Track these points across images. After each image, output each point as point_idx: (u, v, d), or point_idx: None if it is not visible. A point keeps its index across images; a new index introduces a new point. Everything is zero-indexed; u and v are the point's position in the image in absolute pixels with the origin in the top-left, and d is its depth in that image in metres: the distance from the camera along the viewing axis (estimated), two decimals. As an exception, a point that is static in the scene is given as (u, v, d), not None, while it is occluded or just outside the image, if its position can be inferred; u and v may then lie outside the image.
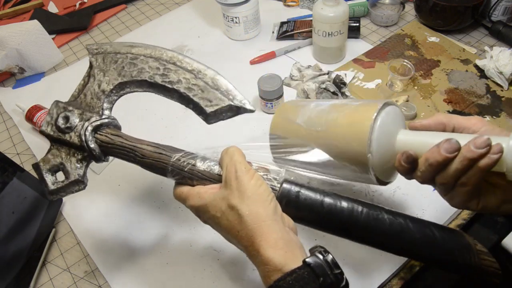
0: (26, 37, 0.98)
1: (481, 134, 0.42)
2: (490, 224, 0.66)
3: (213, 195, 0.46)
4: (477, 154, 0.40)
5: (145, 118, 0.86)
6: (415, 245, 0.47)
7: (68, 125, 0.52)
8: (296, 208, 0.48)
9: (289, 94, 0.85)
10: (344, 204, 0.47)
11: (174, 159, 0.49)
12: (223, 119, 0.51)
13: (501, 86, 0.82)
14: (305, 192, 0.48)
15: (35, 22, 1.00)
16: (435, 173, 0.44)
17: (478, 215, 0.66)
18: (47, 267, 0.68)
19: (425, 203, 0.66)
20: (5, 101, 0.97)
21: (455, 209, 0.65)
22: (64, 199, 0.74)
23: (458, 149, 0.41)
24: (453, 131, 0.47)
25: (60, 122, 0.52)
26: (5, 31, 0.97)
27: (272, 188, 0.48)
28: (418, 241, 0.47)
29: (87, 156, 0.52)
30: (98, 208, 0.73)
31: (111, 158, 0.71)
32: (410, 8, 1.04)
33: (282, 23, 1.02)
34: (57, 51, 1.05)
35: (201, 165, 0.49)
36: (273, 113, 0.83)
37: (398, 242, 0.47)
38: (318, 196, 0.48)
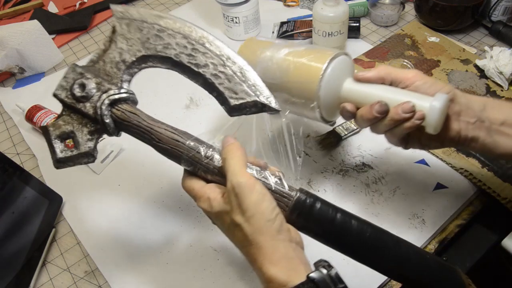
0: (26, 37, 0.98)
1: (415, 87, 0.51)
2: (490, 224, 0.66)
3: (219, 206, 0.44)
4: (402, 117, 0.49)
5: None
6: (412, 275, 0.47)
7: (84, 94, 0.48)
8: (307, 220, 0.46)
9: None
10: (354, 223, 0.47)
11: (192, 149, 0.47)
12: (246, 114, 0.49)
13: (501, 86, 0.82)
14: (319, 206, 0.46)
15: (35, 22, 1.00)
16: (368, 125, 0.53)
17: (478, 215, 0.66)
18: (47, 267, 0.68)
19: (425, 203, 0.66)
20: (5, 101, 0.97)
21: (455, 209, 0.65)
22: (64, 199, 0.74)
23: (387, 111, 0.50)
24: (391, 84, 0.54)
25: (76, 89, 0.49)
26: (5, 31, 0.97)
27: (284, 196, 0.46)
28: (417, 273, 0.47)
29: (100, 129, 0.49)
30: (98, 208, 0.73)
31: (110, 158, 0.72)
32: (410, 8, 1.04)
33: (282, 23, 1.02)
34: (57, 51, 1.05)
35: (217, 161, 0.47)
36: (273, 113, 0.83)
37: (397, 270, 0.48)
38: (330, 211, 0.46)
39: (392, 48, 0.93)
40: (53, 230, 0.71)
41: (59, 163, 0.50)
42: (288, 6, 1.10)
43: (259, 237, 0.42)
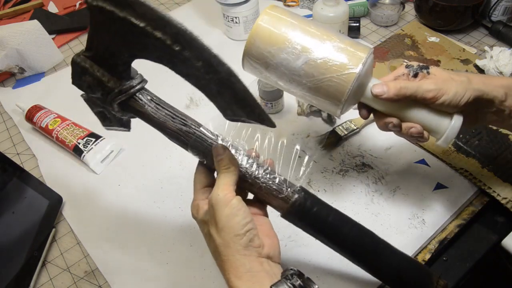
0: (26, 37, 0.98)
1: (444, 106, 0.51)
2: (490, 224, 0.66)
3: (202, 215, 0.47)
4: (411, 136, 0.54)
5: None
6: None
7: (94, 95, 0.50)
8: (305, 219, 0.49)
9: (289, 94, 0.84)
10: (349, 227, 0.50)
11: (198, 138, 0.48)
12: (242, 122, 0.48)
13: (501, 86, 0.82)
14: (318, 207, 0.49)
15: (35, 22, 1.00)
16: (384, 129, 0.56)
17: (478, 215, 0.66)
18: (47, 267, 0.68)
19: (425, 203, 0.66)
20: (5, 101, 0.97)
21: (455, 209, 0.65)
22: (64, 199, 0.74)
23: (400, 127, 0.54)
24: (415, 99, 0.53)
25: (88, 91, 0.50)
26: (5, 31, 0.97)
27: (282, 192, 0.48)
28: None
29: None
30: (98, 208, 0.73)
31: (110, 158, 0.71)
32: (410, 8, 1.04)
33: (282, 23, 1.02)
34: (57, 51, 1.05)
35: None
36: (273, 113, 0.83)
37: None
38: (327, 212, 0.49)
39: (392, 48, 0.93)
40: (53, 230, 0.71)
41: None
42: (288, 6, 1.10)
43: (226, 250, 0.44)
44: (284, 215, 0.49)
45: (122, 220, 0.71)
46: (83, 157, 0.78)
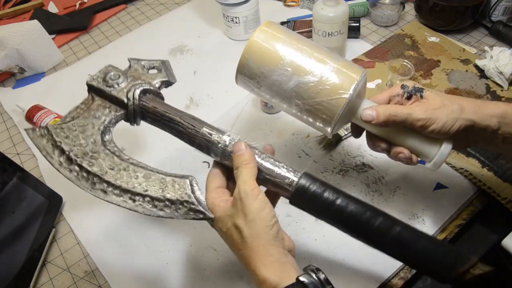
0: (26, 37, 0.98)
1: (435, 133, 0.51)
2: (490, 224, 0.66)
3: (223, 211, 0.48)
4: (399, 159, 0.55)
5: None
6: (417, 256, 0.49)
7: (116, 81, 0.52)
8: (309, 202, 0.49)
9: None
10: (354, 206, 0.49)
11: (204, 135, 0.50)
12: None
13: (501, 86, 0.82)
14: (322, 190, 0.49)
15: (35, 22, 1.00)
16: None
17: (478, 215, 0.66)
18: (47, 267, 0.68)
19: (425, 203, 0.66)
20: (5, 101, 0.97)
21: (455, 209, 0.65)
22: (64, 199, 0.74)
23: (389, 151, 0.55)
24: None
25: (110, 77, 0.53)
26: (5, 31, 0.97)
27: (289, 179, 0.49)
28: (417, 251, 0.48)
29: (122, 114, 0.53)
30: (98, 208, 0.73)
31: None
32: (410, 8, 1.04)
33: (282, 23, 1.02)
34: (57, 51, 1.05)
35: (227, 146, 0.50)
36: (273, 113, 0.83)
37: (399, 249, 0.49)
38: (332, 196, 0.49)
39: (392, 48, 0.93)
40: (53, 230, 0.71)
41: None
42: (288, 6, 1.10)
43: (256, 241, 0.45)
44: (291, 200, 0.50)
45: (122, 220, 0.71)
46: (83, 157, 0.78)
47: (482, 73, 0.85)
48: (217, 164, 0.52)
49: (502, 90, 0.82)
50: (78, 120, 0.52)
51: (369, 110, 0.52)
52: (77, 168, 0.49)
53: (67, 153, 0.49)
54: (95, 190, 0.48)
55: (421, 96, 0.53)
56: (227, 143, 0.50)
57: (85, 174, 0.48)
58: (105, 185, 0.48)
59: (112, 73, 0.53)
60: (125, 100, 0.51)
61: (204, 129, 0.50)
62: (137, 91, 0.52)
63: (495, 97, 0.81)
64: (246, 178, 0.47)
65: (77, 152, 0.49)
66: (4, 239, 0.62)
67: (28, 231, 0.66)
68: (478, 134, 0.52)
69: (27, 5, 1.22)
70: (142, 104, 0.52)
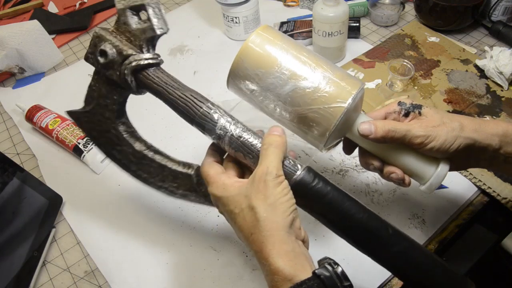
0: (26, 37, 0.98)
1: (434, 152, 0.50)
2: (490, 224, 0.66)
3: (238, 190, 0.46)
4: (391, 180, 0.53)
5: (145, 118, 0.86)
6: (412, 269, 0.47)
7: (107, 61, 0.52)
8: (310, 198, 0.47)
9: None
10: (356, 209, 0.47)
11: (205, 114, 0.49)
12: None
13: (501, 86, 0.82)
14: (319, 186, 0.47)
15: (35, 22, 1.00)
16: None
17: (478, 215, 0.66)
18: (47, 267, 0.68)
19: (425, 203, 0.66)
20: (5, 101, 0.97)
21: (455, 209, 0.65)
22: (64, 199, 0.74)
23: (381, 170, 0.54)
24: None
25: (99, 58, 0.52)
26: (5, 31, 0.97)
27: (292, 172, 0.47)
28: (415, 266, 0.47)
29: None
30: (98, 208, 0.73)
31: (109, 159, 0.71)
32: (410, 8, 1.04)
33: (282, 23, 1.02)
34: (57, 51, 1.05)
35: (254, 142, 0.48)
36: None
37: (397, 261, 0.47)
38: (336, 195, 0.47)
39: (392, 48, 0.93)
40: (53, 230, 0.71)
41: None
42: (288, 6, 1.10)
43: (272, 225, 0.42)
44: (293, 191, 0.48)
45: (122, 220, 0.71)
46: (83, 157, 0.78)
47: (482, 73, 0.85)
48: (213, 146, 0.52)
49: (502, 90, 0.82)
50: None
51: (367, 124, 0.50)
52: None
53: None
54: None
55: (420, 113, 0.52)
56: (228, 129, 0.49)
57: None
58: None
59: (99, 50, 0.52)
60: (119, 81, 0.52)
61: (205, 108, 0.50)
62: (128, 74, 0.51)
63: (495, 97, 0.81)
64: (275, 160, 0.45)
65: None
66: (4, 239, 0.62)
67: (28, 231, 0.66)
68: (479, 153, 0.51)
69: (27, 5, 1.22)
70: (139, 80, 0.52)
